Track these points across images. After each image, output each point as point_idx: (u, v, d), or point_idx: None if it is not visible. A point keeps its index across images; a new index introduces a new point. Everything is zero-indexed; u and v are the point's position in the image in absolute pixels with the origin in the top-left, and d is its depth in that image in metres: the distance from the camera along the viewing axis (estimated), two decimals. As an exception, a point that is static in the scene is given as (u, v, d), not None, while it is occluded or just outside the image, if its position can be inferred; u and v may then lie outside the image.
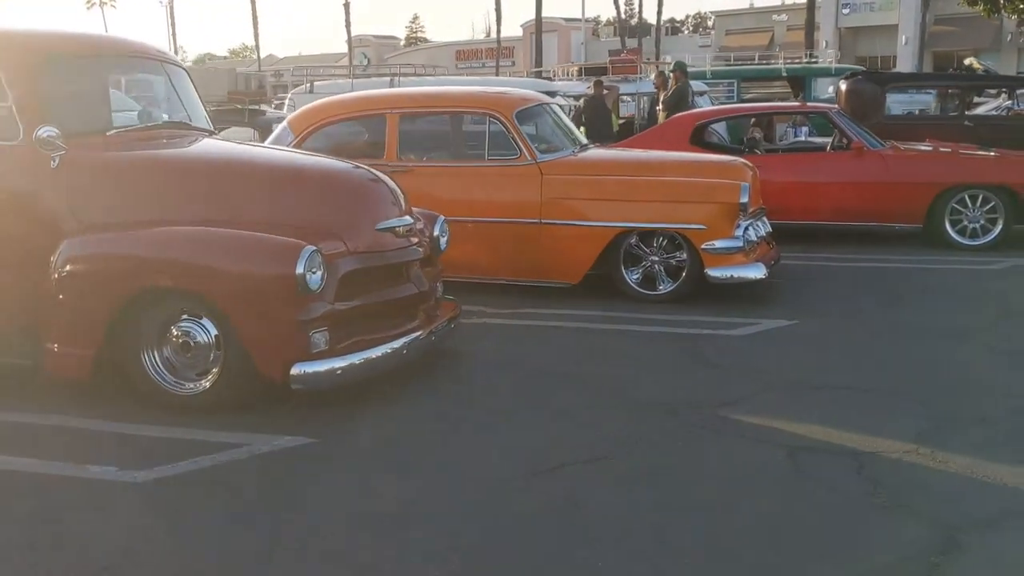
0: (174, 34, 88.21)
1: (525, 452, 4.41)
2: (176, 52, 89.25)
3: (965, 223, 9.45)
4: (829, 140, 10.65)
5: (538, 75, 20.43)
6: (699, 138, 10.23)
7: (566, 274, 7.55)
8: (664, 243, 7.39)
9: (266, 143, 8.12)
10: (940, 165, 9.69)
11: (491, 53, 58.58)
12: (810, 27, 43.40)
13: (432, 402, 5.14)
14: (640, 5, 71.07)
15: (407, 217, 5.42)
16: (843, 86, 12.51)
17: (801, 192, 9.83)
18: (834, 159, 10.05)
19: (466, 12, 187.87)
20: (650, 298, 7.42)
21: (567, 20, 69.02)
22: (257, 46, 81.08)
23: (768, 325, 6.68)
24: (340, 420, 4.77)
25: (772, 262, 7.68)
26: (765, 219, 8.07)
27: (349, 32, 73.12)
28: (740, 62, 28.08)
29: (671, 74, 14.32)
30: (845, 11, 55.04)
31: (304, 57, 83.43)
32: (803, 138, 14.24)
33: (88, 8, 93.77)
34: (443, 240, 6.04)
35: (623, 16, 71.74)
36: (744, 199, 7.13)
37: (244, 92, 12.46)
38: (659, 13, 69.71)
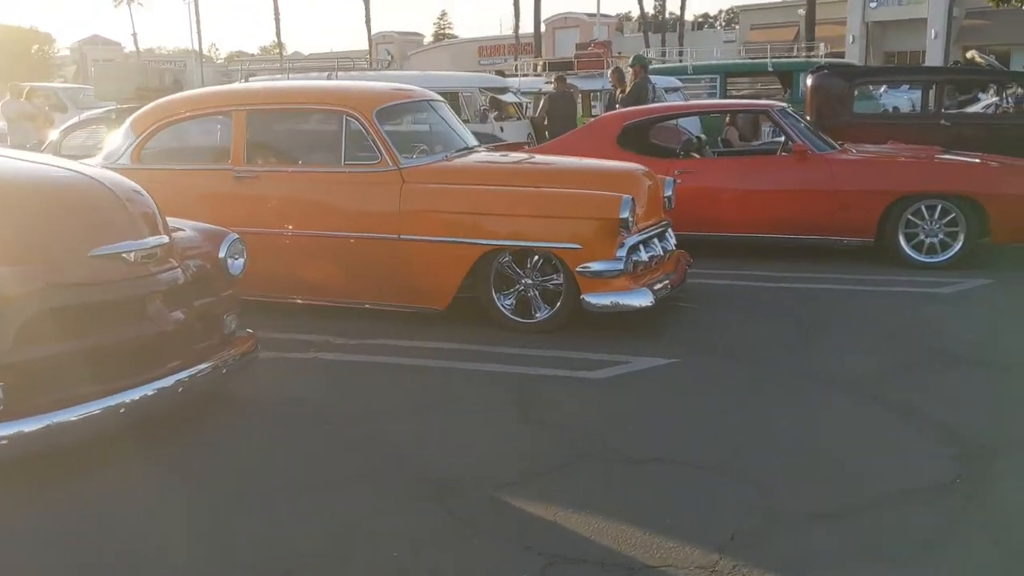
0: (199, 31, 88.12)
1: (183, 557, 3.40)
2: (208, 49, 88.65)
3: (922, 237, 8.29)
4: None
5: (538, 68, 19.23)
6: (628, 139, 9.15)
7: (431, 298, 6.53)
8: (540, 264, 6.36)
9: (104, 151, 7.19)
10: (892, 171, 8.53)
11: (513, 49, 57.68)
12: (810, 20, 42.19)
13: (141, 476, 4.13)
14: (663, 1, 69.44)
15: (150, 239, 4.41)
16: (809, 81, 11.36)
17: (737, 202, 8.76)
18: (774, 164, 8.94)
19: (494, 9, 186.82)
20: (525, 327, 6.39)
21: (590, 15, 67.88)
22: (279, 43, 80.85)
23: (639, 365, 5.63)
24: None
25: (670, 286, 6.63)
26: (670, 233, 7.03)
27: (369, 28, 72.99)
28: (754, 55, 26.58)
29: (629, 68, 13.23)
30: (873, 5, 53.59)
31: (326, 54, 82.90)
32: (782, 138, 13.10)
33: (116, 6, 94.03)
34: (235, 263, 5.04)
35: (653, 11, 70.57)
36: (624, 214, 6.07)
37: (155, 88, 11.54)
38: (683, 8, 68.63)
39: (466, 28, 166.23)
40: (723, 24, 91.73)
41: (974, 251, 8.26)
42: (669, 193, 7.41)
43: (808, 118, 11.11)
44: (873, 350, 5.91)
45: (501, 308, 6.43)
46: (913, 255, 8.31)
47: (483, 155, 7.20)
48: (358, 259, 6.58)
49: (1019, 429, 4.50)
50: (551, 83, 14.45)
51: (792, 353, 5.92)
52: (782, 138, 12.71)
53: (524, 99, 14.47)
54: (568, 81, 14.58)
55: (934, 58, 44.14)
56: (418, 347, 6.10)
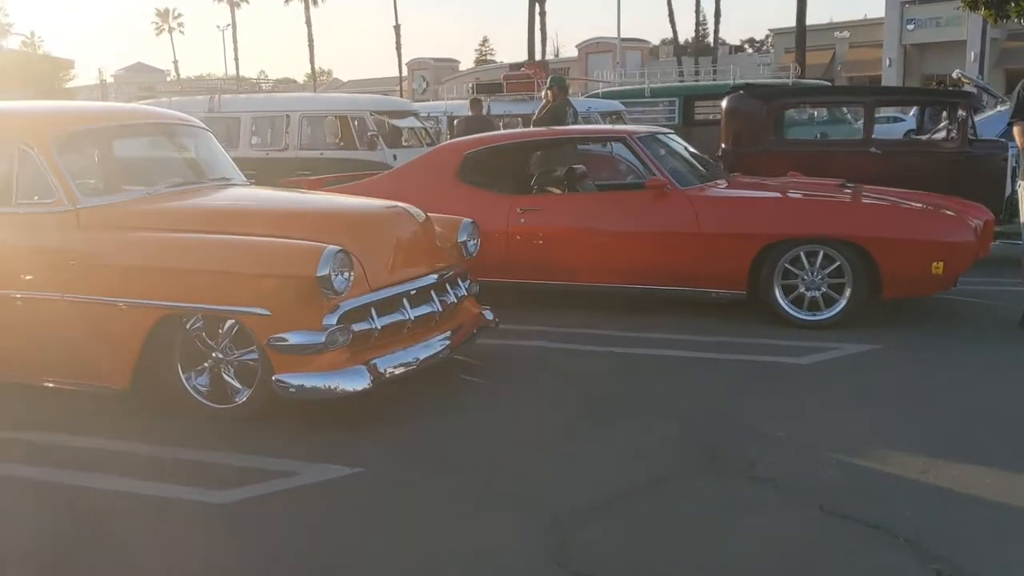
0: (236, 58, 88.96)
1: None
2: (257, 76, 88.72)
3: (802, 290, 6.73)
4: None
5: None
6: (470, 172, 7.73)
7: (107, 375, 5.14)
8: (236, 332, 4.95)
9: None
10: (764, 211, 6.97)
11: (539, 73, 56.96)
12: (801, 40, 40.44)
13: None
14: (697, 24, 68.05)
15: None
16: (724, 104, 9.83)
17: (585, 246, 7.27)
18: (630, 202, 7.41)
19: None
20: (222, 414, 5.01)
21: (623, 40, 66.74)
22: (313, 70, 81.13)
23: (304, 478, 4.20)
24: None
25: (447, 350, 5.29)
26: (451, 288, 5.63)
27: (400, 54, 73.26)
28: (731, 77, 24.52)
29: (547, 91, 11.79)
30: (910, 27, 51.86)
31: (362, 81, 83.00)
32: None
33: (157, 35, 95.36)
34: None
35: (695, 35, 69.26)
36: (324, 271, 4.63)
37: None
38: (716, 32, 67.47)
39: (507, 54, 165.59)
40: (770, 48, 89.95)
41: (868, 307, 6.69)
42: (464, 238, 6.03)
43: (723, 146, 9.64)
44: (638, 454, 4.40)
45: (190, 390, 5.03)
46: (792, 312, 6.75)
47: (212, 192, 5.81)
48: (24, 324, 5.22)
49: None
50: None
51: (519, 460, 4.41)
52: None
53: (428, 124, 13.11)
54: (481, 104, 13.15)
55: (974, 81, 42.01)
56: (63, 446, 4.71)
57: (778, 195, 7.16)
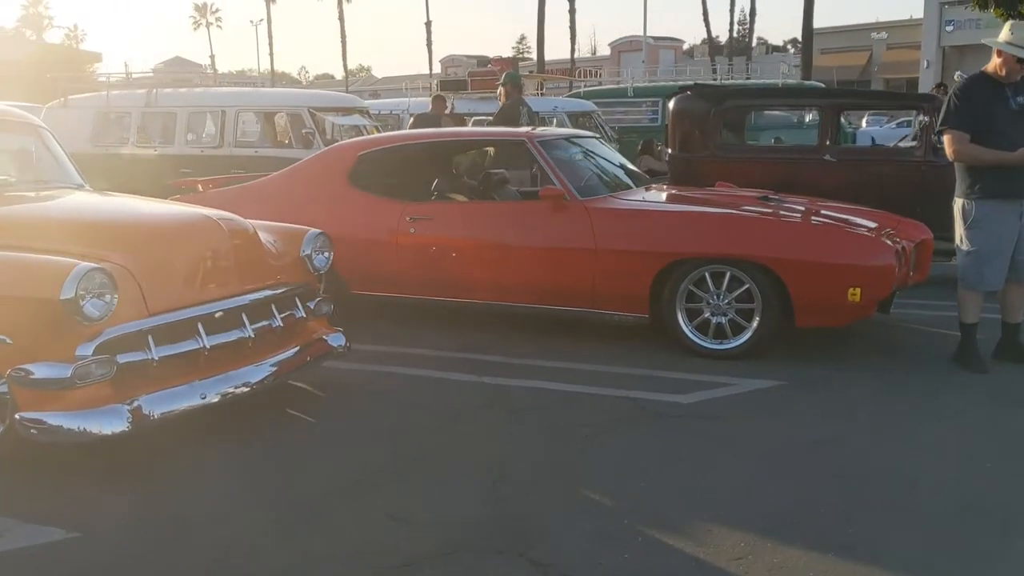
0: (271, 53, 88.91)
1: None
2: (298, 72, 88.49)
3: (707, 315, 5.94)
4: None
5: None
6: (363, 175, 7.03)
7: None
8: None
9: None
10: (666, 226, 6.17)
11: (565, 72, 56.38)
12: (808, 40, 39.42)
13: None
14: (732, 23, 66.86)
15: None
16: (671, 106, 9.02)
17: (475, 260, 6.53)
18: (524, 213, 6.64)
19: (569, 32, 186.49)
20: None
21: (656, 39, 65.83)
22: (345, 67, 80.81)
23: (8, 543, 3.50)
24: None
25: (273, 377, 4.73)
26: (294, 304, 5.09)
27: (430, 51, 72.69)
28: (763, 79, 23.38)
29: (500, 88, 11.05)
30: (949, 28, 50.41)
31: (396, 77, 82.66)
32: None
33: (195, 29, 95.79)
34: None
35: (736, 35, 68.21)
36: (69, 294, 3.94)
37: None
38: (751, 31, 66.41)
39: (545, 51, 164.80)
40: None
41: (785, 336, 5.90)
42: (308, 252, 5.31)
43: (671, 151, 8.86)
44: (414, 527, 3.65)
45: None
46: (695, 339, 5.97)
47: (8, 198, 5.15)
48: None
49: None
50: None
51: (268, 535, 3.67)
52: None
53: (379, 123, 12.42)
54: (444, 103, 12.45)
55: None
56: None
57: (685, 208, 6.38)
